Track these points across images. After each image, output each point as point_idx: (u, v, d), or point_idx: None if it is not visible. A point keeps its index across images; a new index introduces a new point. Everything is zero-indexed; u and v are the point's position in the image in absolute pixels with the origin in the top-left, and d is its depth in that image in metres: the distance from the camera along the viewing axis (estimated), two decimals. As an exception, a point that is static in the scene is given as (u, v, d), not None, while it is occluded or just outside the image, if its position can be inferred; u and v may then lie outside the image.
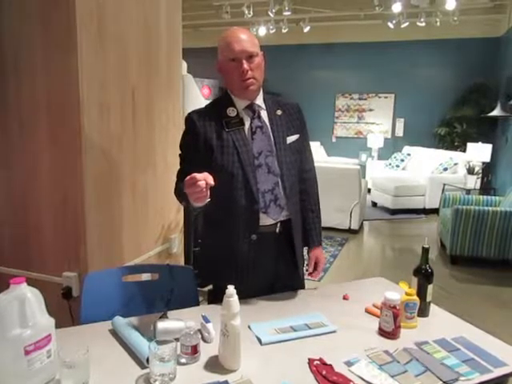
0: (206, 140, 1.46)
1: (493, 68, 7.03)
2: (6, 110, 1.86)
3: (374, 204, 6.88)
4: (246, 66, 1.42)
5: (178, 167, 1.54)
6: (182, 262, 2.71)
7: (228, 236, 1.50)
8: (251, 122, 1.50)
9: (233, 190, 1.47)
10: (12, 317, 0.97)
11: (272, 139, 1.51)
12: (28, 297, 1.00)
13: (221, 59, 1.48)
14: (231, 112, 1.50)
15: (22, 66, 1.80)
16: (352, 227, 5.34)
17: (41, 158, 1.84)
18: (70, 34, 1.69)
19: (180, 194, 1.38)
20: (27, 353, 0.98)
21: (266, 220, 1.49)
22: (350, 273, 4.14)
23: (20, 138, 1.86)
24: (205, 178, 1.19)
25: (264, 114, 1.54)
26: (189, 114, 1.52)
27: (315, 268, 1.65)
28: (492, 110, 6.23)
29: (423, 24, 6.39)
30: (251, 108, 1.51)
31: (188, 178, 1.20)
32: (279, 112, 1.57)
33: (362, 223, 5.71)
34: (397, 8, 5.98)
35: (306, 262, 1.67)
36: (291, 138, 1.56)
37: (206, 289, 1.62)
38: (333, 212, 5.24)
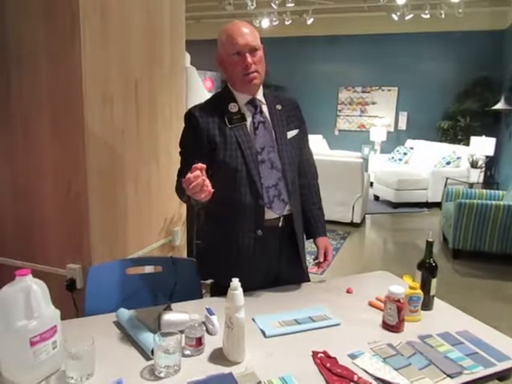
0: (208, 136, 1.45)
1: (497, 61, 6.97)
2: (8, 102, 1.86)
3: (377, 197, 6.87)
4: (249, 59, 1.41)
5: (179, 164, 1.52)
6: (184, 254, 2.71)
7: (232, 232, 1.49)
8: (253, 117, 1.49)
9: (237, 187, 1.46)
10: (18, 308, 0.98)
11: (273, 134, 1.51)
12: (33, 288, 1.00)
13: (222, 53, 1.46)
14: (233, 108, 1.48)
15: (25, 58, 1.79)
16: (354, 221, 5.34)
17: (44, 150, 1.84)
18: (74, 26, 1.68)
19: (182, 189, 1.37)
20: (33, 344, 0.99)
21: (270, 214, 1.49)
22: (352, 266, 4.15)
23: (23, 130, 1.86)
24: (199, 172, 1.17)
25: (265, 109, 1.53)
26: (189, 109, 1.50)
27: (325, 258, 1.64)
28: (496, 103, 6.19)
29: (428, 16, 6.33)
30: (253, 103, 1.50)
31: (183, 180, 1.18)
32: (279, 107, 1.56)
33: (364, 217, 5.71)
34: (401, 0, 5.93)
35: (312, 257, 1.67)
36: (291, 133, 1.56)
37: (209, 281, 1.63)
38: (335, 205, 5.24)
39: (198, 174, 1.16)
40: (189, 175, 1.16)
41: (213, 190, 1.22)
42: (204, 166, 1.18)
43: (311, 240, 1.68)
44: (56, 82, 1.76)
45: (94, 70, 1.77)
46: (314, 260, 1.66)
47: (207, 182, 1.19)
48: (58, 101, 1.78)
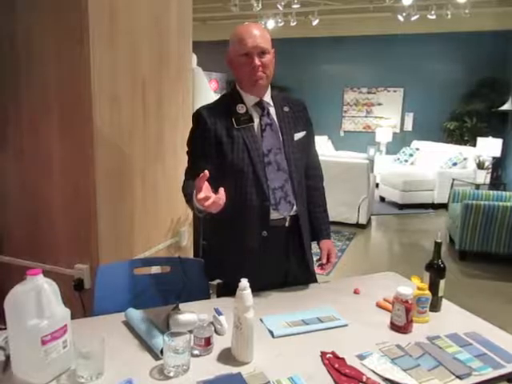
0: (216, 137, 1.45)
1: (504, 61, 6.94)
2: (17, 102, 1.87)
3: (382, 199, 6.86)
4: (257, 61, 1.41)
5: (186, 164, 1.53)
6: (191, 255, 2.72)
7: (238, 233, 1.50)
8: (260, 120, 1.50)
9: (243, 188, 1.46)
10: (29, 307, 0.98)
11: (280, 136, 1.51)
12: (45, 288, 1.01)
13: (232, 53, 1.46)
14: (240, 109, 1.49)
15: (34, 58, 1.81)
16: (360, 222, 5.33)
17: (52, 150, 1.85)
18: (82, 26, 1.70)
19: (188, 197, 1.37)
20: (44, 343, 0.99)
21: (276, 215, 1.50)
22: (358, 267, 4.14)
23: (32, 130, 1.87)
24: (210, 191, 1.20)
25: (272, 111, 1.53)
26: (198, 110, 1.51)
27: (328, 260, 1.65)
28: (503, 104, 6.16)
29: (434, 17, 6.30)
30: (260, 105, 1.51)
31: (197, 199, 1.20)
32: (286, 108, 1.56)
33: (369, 218, 5.70)
34: (407, 0, 5.91)
35: (315, 258, 1.68)
36: (298, 135, 1.56)
37: (215, 282, 1.63)
38: (341, 206, 5.23)
39: (210, 196, 1.18)
40: (201, 196, 1.18)
41: (224, 201, 1.23)
42: (207, 174, 1.19)
43: (315, 242, 1.68)
44: (64, 82, 1.78)
45: (103, 70, 1.79)
46: (316, 261, 1.67)
47: (221, 197, 1.21)
48: (66, 101, 1.79)
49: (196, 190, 1.21)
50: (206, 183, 1.20)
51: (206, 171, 1.19)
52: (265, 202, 1.46)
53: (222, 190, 1.22)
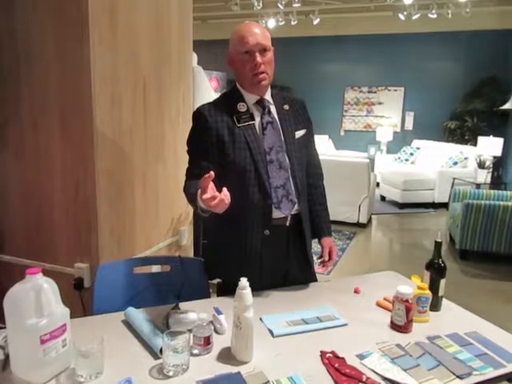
0: (217, 136, 1.45)
1: (505, 60, 6.93)
2: (18, 102, 1.87)
3: (383, 198, 6.85)
4: (259, 59, 1.41)
5: (187, 164, 1.52)
6: (191, 253, 2.72)
7: (240, 232, 1.49)
8: (262, 118, 1.49)
9: (245, 186, 1.46)
10: (28, 306, 0.98)
11: (282, 134, 1.51)
12: (44, 287, 1.01)
13: (233, 52, 1.46)
14: (241, 107, 1.48)
15: (34, 58, 1.80)
16: (360, 221, 5.33)
17: (53, 150, 1.85)
18: (83, 25, 1.69)
19: (191, 196, 1.36)
20: (43, 342, 0.99)
21: (277, 214, 1.49)
22: (359, 267, 4.13)
23: (32, 129, 1.87)
24: (215, 190, 1.19)
25: (273, 110, 1.53)
26: (198, 108, 1.50)
27: (329, 257, 1.65)
28: (504, 103, 6.15)
29: (435, 16, 6.29)
30: (261, 103, 1.50)
31: (202, 198, 1.19)
32: (286, 107, 1.56)
33: (370, 217, 5.70)
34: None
35: (316, 256, 1.68)
36: (299, 133, 1.56)
37: (215, 281, 1.63)
38: (341, 206, 5.23)
39: (216, 195, 1.17)
40: (207, 196, 1.17)
41: (229, 201, 1.22)
42: (213, 175, 1.18)
43: (316, 240, 1.69)
44: (65, 82, 1.77)
45: (103, 70, 1.78)
46: (318, 259, 1.67)
47: (226, 195, 1.20)
48: (67, 101, 1.79)
49: (201, 190, 1.20)
50: (211, 183, 1.20)
51: (212, 172, 1.18)
52: (267, 200, 1.46)
53: (225, 190, 1.22)
